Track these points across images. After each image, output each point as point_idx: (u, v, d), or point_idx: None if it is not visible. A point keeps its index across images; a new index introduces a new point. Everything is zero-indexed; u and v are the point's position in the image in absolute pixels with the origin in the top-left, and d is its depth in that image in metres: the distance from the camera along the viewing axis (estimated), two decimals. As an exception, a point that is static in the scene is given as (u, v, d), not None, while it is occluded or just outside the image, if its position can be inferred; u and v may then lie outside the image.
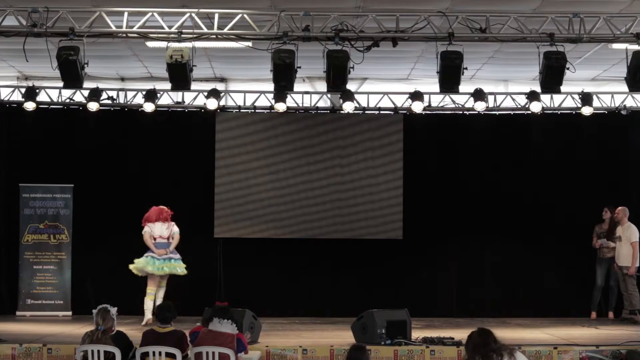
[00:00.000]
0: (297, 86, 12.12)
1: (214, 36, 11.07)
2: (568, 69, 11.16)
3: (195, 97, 14.71)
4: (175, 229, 12.90)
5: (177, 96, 14.82)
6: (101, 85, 14.37)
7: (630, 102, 14.91)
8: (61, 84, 11.57)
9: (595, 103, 14.57)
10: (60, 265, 14.57)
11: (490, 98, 14.52)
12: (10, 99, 14.62)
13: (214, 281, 14.83)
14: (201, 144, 15.03)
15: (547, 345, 10.45)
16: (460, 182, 15.11)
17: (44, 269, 14.53)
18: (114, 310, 8.12)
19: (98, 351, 7.85)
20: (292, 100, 14.66)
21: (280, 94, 13.56)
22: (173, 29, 10.95)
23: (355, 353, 7.37)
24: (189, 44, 11.04)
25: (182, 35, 10.94)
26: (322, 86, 13.00)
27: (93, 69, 12.60)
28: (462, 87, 11.69)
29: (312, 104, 14.92)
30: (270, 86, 11.73)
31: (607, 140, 15.19)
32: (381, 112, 14.91)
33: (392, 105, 14.83)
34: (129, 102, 14.73)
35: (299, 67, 11.12)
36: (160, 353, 7.89)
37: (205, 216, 14.89)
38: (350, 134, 15.15)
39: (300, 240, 14.86)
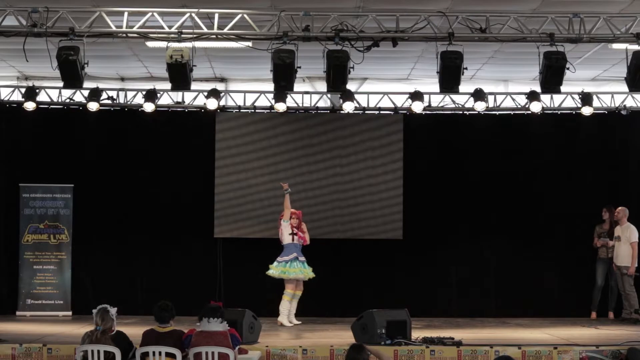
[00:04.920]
0: (297, 86, 12.13)
1: (214, 36, 11.08)
2: (568, 69, 11.16)
3: (195, 97, 14.71)
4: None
5: (177, 96, 14.82)
6: (101, 85, 14.37)
7: (630, 102, 14.91)
8: (61, 84, 11.58)
9: (595, 103, 14.56)
10: (60, 265, 14.57)
11: (490, 98, 14.52)
12: (10, 99, 14.61)
13: (214, 281, 14.84)
14: (201, 144, 15.03)
15: (547, 345, 10.44)
16: (460, 182, 15.11)
17: (44, 269, 14.52)
18: (113, 311, 8.12)
19: (98, 351, 7.85)
20: (292, 100, 14.66)
21: (280, 94, 13.55)
22: (173, 29, 10.95)
23: (354, 352, 7.36)
24: (189, 44, 11.05)
25: (182, 35, 10.95)
26: (322, 86, 13.00)
27: (93, 69, 12.61)
28: (462, 87, 11.69)
29: (312, 104, 14.91)
30: (270, 86, 11.73)
31: (607, 140, 15.19)
32: (381, 112, 14.91)
33: (392, 105, 14.83)
34: (129, 102, 14.73)
35: (299, 67, 11.11)
36: (160, 353, 7.90)
37: (205, 216, 14.89)
38: (350, 134, 15.15)
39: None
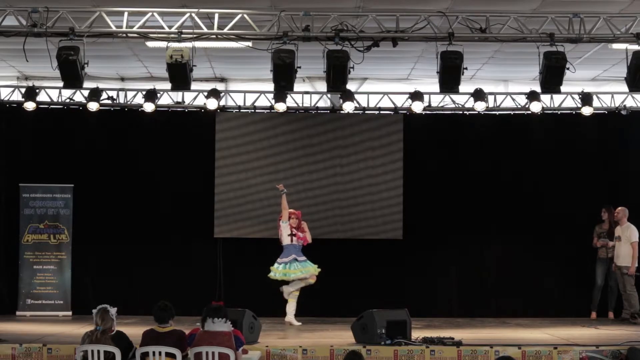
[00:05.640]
0: (297, 86, 12.13)
1: (214, 36, 11.08)
2: (568, 69, 11.16)
3: (195, 97, 14.71)
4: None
5: (177, 96, 14.82)
6: (101, 85, 14.37)
7: (630, 102, 14.90)
8: (61, 84, 11.58)
9: (595, 103, 14.56)
10: (60, 265, 14.57)
11: (490, 98, 14.52)
12: (10, 99, 14.61)
13: (214, 281, 14.84)
14: (201, 144, 15.03)
15: (547, 345, 10.45)
16: (460, 182, 15.11)
17: (44, 269, 14.53)
18: (113, 311, 8.12)
19: (98, 351, 7.85)
20: (292, 100, 14.66)
21: (280, 94, 13.55)
22: (173, 29, 10.95)
23: (353, 356, 7.32)
24: (189, 44, 11.05)
25: (182, 35, 10.95)
26: (322, 86, 13.00)
27: (93, 69, 12.61)
28: (462, 87, 11.69)
29: (312, 104, 14.91)
30: (270, 86, 11.73)
31: (607, 140, 15.19)
32: (381, 112, 14.91)
33: (392, 105, 14.83)
34: (129, 102, 14.73)
35: (299, 67, 11.12)
36: (160, 353, 7.90)
37: (205, 216, 14.89)
38: (350, 134, 15.15)
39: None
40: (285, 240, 12.95)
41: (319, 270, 13.04)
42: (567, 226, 14.86)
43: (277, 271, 12.87)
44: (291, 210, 13.13)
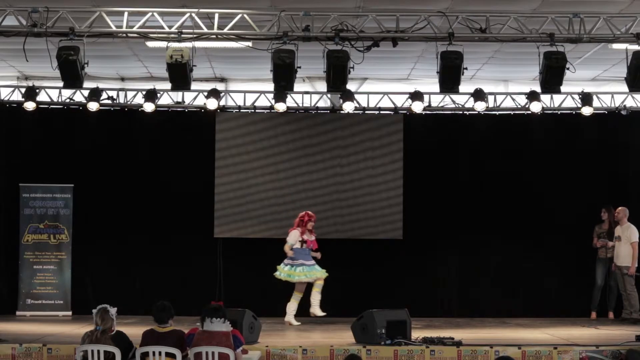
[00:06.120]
0: (297, 86, 12.12)
1: (214, 36, 11.08)
2: (568, 69, 11.16)
3: (195, 97, 14.71)
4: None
5: (177, 96, 14.82)
6: (101, 85, 14.37)
7: (630, 102, 14.90)
8: (61, 84, 11.57)
9: (595, 103, 14.56)
10: (60, 265, 14.57)
11: (490, 98, 14.51)
12: (10, 99, 14.61)
13: (214, 281, 14.84)
14: (201, 144, 15.04)
15: (547, 345, 10.45)
16: (460, 182, 15.12)
17: (44, 269, 14.53)
18: (113, 311, 8.12)
19: (98, 351, 7.86)
20: (292, 100, 14.66)
21: (280, 94, 13.55)
22: (173, 29, 10.95)
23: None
24: (189, 44, 11.05)
25: (182, 35, 10.95)
26: (322, 86, 13.00)
27: (93, 69, 12.60)
28: (462, 87, 11.68)
29: (312, 104, 14.91)
30: (270, 86, 11.73)
31: (607, 140, 15.19)
32: (381, 112, 14.91)
33: (392, 105, 14.83)
34: (129, 102, 14.73)
35: (299, 67, 11.12)
36: (160, 353, 7.90)
37: (205, 216, 14.89)
38: (350, 134, 15.15)
39: (300, 241, 14.87)
40: (297, 245, 13.03)
41: (327, 275, 13.09)
42: (567, 226, 14.86)
43: (282, 271, 13.00)
44: (308, 212, 13.18)
